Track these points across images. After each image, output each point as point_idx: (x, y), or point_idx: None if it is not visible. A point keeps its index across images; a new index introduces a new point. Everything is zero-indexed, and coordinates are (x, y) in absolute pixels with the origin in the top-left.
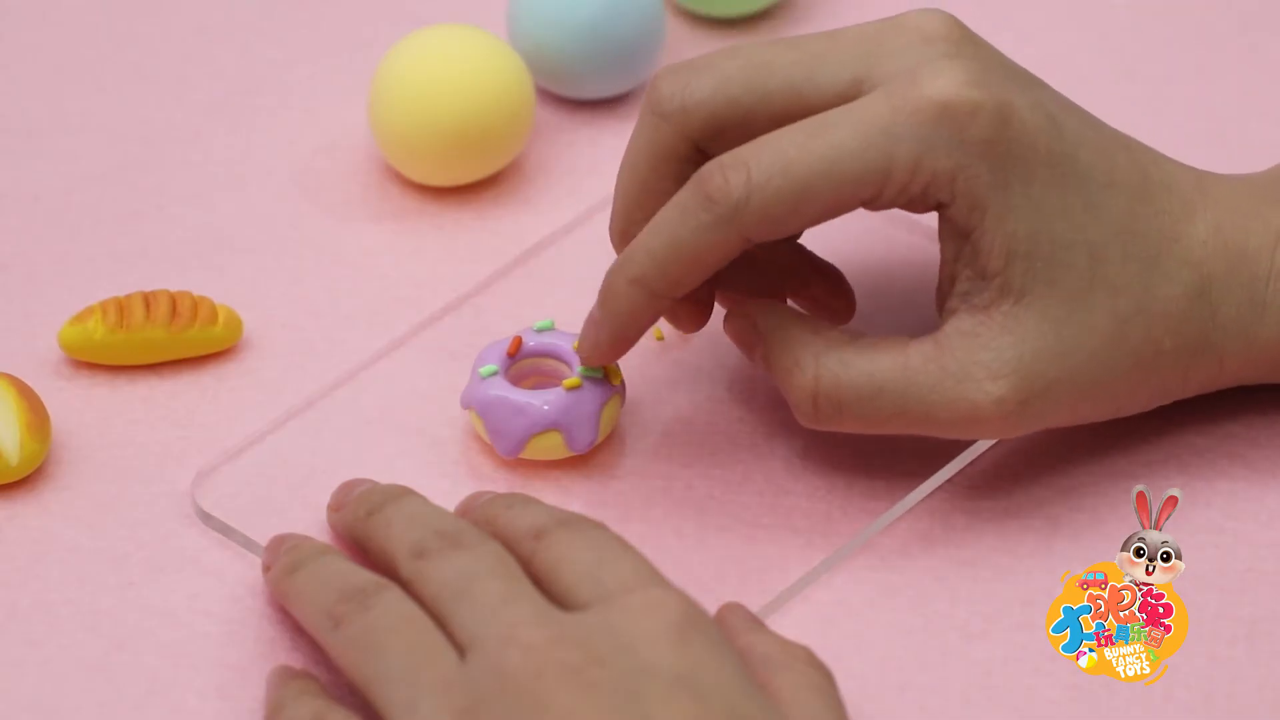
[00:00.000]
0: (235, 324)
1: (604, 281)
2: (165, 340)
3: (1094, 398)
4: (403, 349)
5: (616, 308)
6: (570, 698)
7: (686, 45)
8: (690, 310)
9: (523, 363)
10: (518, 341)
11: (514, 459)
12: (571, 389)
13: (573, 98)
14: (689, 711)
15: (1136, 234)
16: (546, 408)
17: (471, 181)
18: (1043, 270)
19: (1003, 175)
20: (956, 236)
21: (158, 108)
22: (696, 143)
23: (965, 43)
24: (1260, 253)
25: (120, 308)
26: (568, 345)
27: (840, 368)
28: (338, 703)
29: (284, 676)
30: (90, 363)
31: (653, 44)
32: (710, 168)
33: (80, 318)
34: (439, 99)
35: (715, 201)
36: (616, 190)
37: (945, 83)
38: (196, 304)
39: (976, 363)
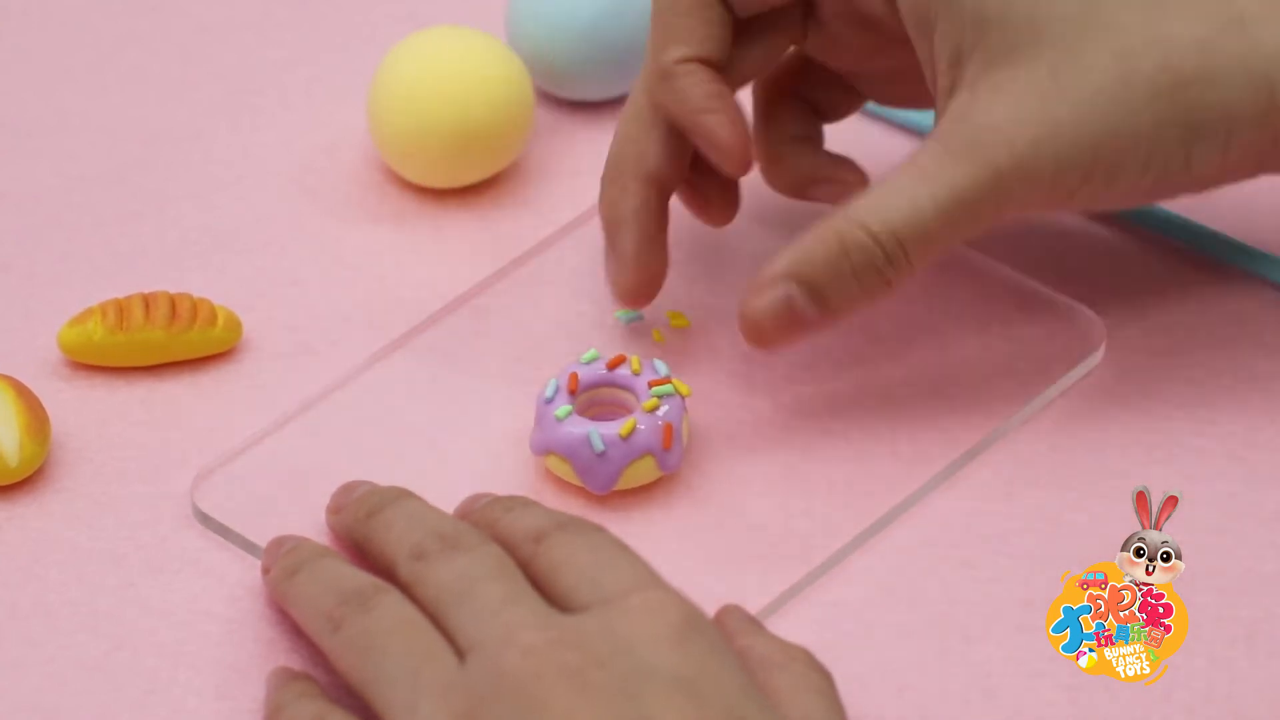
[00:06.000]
0: (235, 326)
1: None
2: (164, 342)
3: (1117, 135)
4: (402, 350)
5: (615, 201)
6: (569, 699)
7: None
8: (720, 198)
9: (581, 398)
10: (574, 378)
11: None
12: (652, 410)
13: (572, 99)
14: (688, 713)
15: None
16: (642, 428)
17: (471, 183)
18: (1024, 28)
19: None
20: (922, 31)
21: (158, 108)
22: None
23: None
24: None
25: (119, 309)
26: (623, 371)
27: (878, 213)
28: (337, 705)
29: (284, 678)
30: (89, 364)
31: None
32: None
33: (80, 319)
34: (439, 100)
35: None
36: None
37: None
38: (196, 305)
39: (982, 127)
